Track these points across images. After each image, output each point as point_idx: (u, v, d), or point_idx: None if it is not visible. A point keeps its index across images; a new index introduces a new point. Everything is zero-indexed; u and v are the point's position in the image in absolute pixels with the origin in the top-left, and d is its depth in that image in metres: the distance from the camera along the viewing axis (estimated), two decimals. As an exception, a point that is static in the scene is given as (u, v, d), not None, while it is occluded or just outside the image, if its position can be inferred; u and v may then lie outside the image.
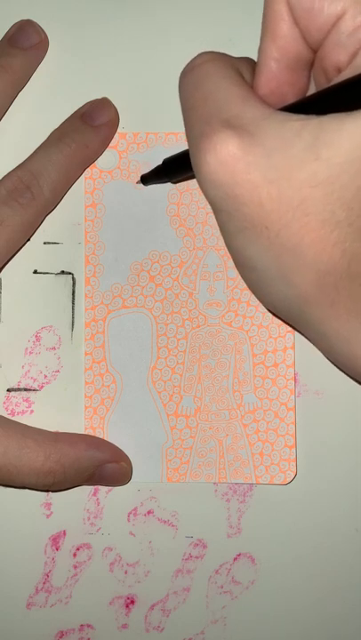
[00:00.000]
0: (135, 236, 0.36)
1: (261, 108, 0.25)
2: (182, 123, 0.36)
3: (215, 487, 0.36)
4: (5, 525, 0.36)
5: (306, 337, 0.29)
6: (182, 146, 0.35)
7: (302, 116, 0.25)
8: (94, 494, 0.36)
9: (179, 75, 0.36)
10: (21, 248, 0.36)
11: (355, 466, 0.36)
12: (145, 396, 0.36)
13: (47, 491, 0.36)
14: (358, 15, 0.25)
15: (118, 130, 0.36)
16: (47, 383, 0.36)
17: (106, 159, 0.36)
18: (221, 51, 0.28)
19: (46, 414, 0.36)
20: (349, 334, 0.26)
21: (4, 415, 0.35)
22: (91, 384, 0.36)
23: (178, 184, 0.36)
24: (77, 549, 0.37)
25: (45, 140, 0.35)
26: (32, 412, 0.36)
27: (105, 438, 0.36)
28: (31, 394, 0.36)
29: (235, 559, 0.37)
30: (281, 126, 0.25)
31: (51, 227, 0.36)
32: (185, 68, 0.28)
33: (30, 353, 0.36)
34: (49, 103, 0.36)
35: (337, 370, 0.35)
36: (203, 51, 0.28)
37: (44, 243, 0.36)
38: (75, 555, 0.37)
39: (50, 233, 0.36)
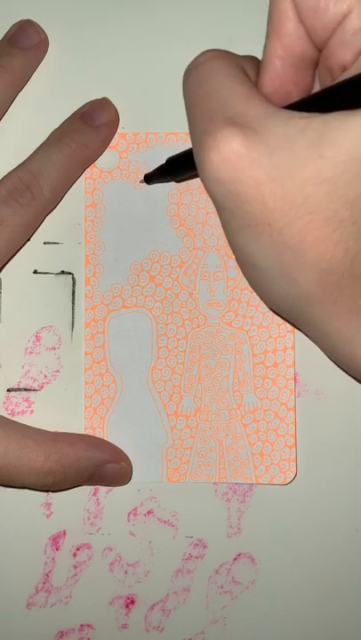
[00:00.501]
0: (135, 236, 0.36)
1: (265, 106, 0.25)
2: (182, 123, 0.36)
3: (215, 487, 0.36)
4: (5, 525, 0.36)
5: (307, 336, 0.29)
6: (182, 146, 0.35)
7: (306, 114, 0.25)
8: (94, 494, 0.36)
9: (179, 75, 0.36)
10: (21, 248, 0.36)
11: (355, 466, 0.36)
12: (145, 396, 0.36)
13: (47, 491, 0.36)
14: None
15: (118, 130, 0.36)
16: (47, 383, 0.36)
17: (106, 159, 0.36)
18: (221, 51, 0.28)
19: (46, 414, 0.36)
20: (351, 334, 0.26)
21: (4, 415, 0.35)
22: (91, 384, 0.36)
23: (178, 184, 0.36)
24: (77, 549, 0.37)
25: (45, 140, 0.35)
26: (32, 412, 0.36)
27: (105, 438, 0.36)
28: (31, 394, 0.36)
29: (235, 559, 0.37)
30: (285, 124, 0.25)
31: (51, 227, 0.36)
32: (189, 66, 0.28)
33: (30, 353, 0.36)
34: (49, 103, 0.36)
35: (337, 370, 0.35)
36: (203, 50, 0.28)
37: (44, 243, 0.36)
38: (75, 555, 0.37)
39: (50, 233, 0.36)
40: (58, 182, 0.34)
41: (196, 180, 0.36)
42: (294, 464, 0.36)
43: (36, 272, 0.36)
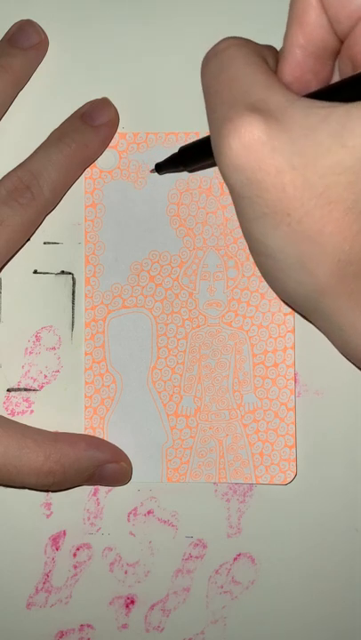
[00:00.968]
0: (135, 236, 0.36)
1: (286, 94, 0.25)
2: (182, 122, 0.36)
3: (215, 487, 0.36)
4: (5, 525, 0.36)
5: (319, 329, 0.29)
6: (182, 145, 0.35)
7: (328, 104, 0.24)
8: (94, 494, 0.36)
9: (179, 75, 0.36)
10: (21, 248, 0.36)
11: (355, 466, 0.36)
12: (145, 396, 0.36)
13: (47, 491, 0.36)
14: None
15: (118, 130, 0.36)
16: (47, 383, 0.36)
17: (106, 159, 0.36)
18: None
19: (46, 414, 0.36)
20: None
21: (4, 415, 0.35)
22: (91, 384, 0.36)
23: (178, 185, 0.36)
24: (77, 549, 0.37)
25: (45, 140, 0.35)
26: (32, 412, 0.36)
27: (105, 438, 0.36)
28: (31, 394, 0.36)
29: (235, 559, 0.37)
30: (307, 113, 0.24)
31: (51, 227, 0.36)
32: (208, 53, 0.28)
33: (30, 353, 0.36)
34: (49, 103, 0.36)
35: (337, 370, 0.35)
36: (203, 50, 0.28)
37: (44, 243, 0.36)
38: (75, 555, 0.37)
39: (50, 233, 0.36)
40: (58, 182, 0.34)
41: (197, 180, 0.36)
42: (294, 464, 0.36)
43: (36, 272, 0.36)
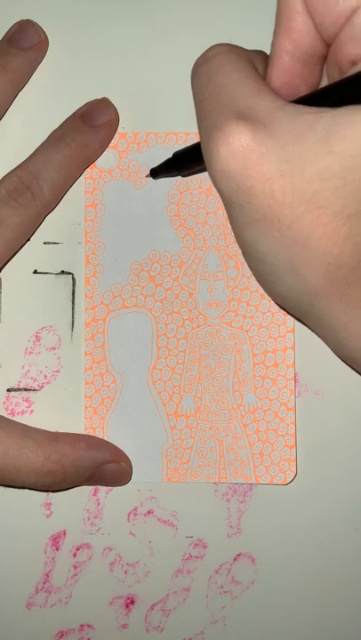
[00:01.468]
0: (135, 236, 0.36)
1: (275, 100, 0.25)
2: (182, 122, 0.36)
3: (215, 487, 0.36)
4: (5, 525, 0.36)
5: (314, 331, 0.29)
6: (182, 146, 0.35)
7: (316, 109, 0.25)
8: (94, 494, 0.36)
9: (179, 75, 0.36)
10: (21, 248, 0.36)
11: (355, 466, 0.36)
12: (145, 396, 0.36)
13: (47, 491, 0.36)
14: None
15: (118, 130, 0.36)
16: (47, 383, 0.36)
17: (106, 159, 0.36)
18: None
19: (46, 414, 0.36)
20: (358, 329, 0.26)
21: (4, 415, 0.35)
22: (91, 384, 0.36)
23: (178, 185, 0.36)
24: (77, 549, 0.37)
25: (45, 140, 0.35)
26: (32, 412, 0.36)
27: (105, 438, 0.36)
28: (31, 394, 0.36)
29: (235, 559, 0.37)
30: (294, 119, 0.25)
31: (51, 227, 0.36)
32: (198, 60, 0.28)
33: (30, 353, 0.36)
34: (49, 103, 0.36)
35: (337, 370, 0.35)
36: (203, 50, 0.28)
37: (44, 243, 0.36)
38: (75, 555, 0.37)
39: (50, 233, 0.36)
40: (58, 182, 0.34)
41: (196, 180, 0.36)
42: (294, 464, 0.36)
43: (36, 272, 0.36)
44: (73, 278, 0.36)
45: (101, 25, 0.36)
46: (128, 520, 0.36)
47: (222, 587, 0.37)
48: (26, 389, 0.36)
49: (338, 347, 0.28)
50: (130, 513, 0.36)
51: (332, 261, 0.25)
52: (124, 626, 0.37)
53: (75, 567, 0.37)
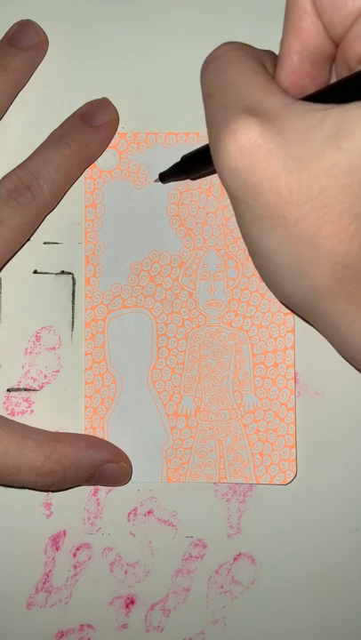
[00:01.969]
0: (135, 235, 0.36)
1: (283, 98, 0.25)
2: (182, 122, 0.36)
3: (215, 487, 0.36)
4: (5, 525, 0.36)
5: (318, 330, 0.29)
6: (183, 146, 0.35)
7: (323, 106, 0.24)
8: (94, 494, 0.36)
9: (179, 75, 0.36)
10: (21, 248, 0.36)
11: (355, 466, 0.36)
12: (145, 396, 0.36)
13: (47, 491, 0.36)
14: None
15: (118, 130, 0.36)
16: (47, 383, 0.36)
17: (106, 159, 0.36)
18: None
19: (46, 414, 0.36)
20: None
21: (3, 415, 0.35)
22: (91, 384, 0.36)
23: (178, 184, 0.36)
24: (77, 549, 0.37)
25: (45, 140, 0.35)
26: (32, 412, 0.36)
27: (105, 438, 0.36)
28: (31, 394, 0.36)
29: (235, 559, 0.37)
30: (302, 116, 0.24)
31: (51, 227, 0.36)
32: (208, 57, 0.28)
33: (30, 353, 0.36)
34: (49, 103, 0.36)
35: (337, 370, 0.35)
36: (203, 50, 0.28)
37: (44, 243, 0.36)
38: (75, 555, 0.37)
39: (50, 233, 0.36)
40: (58, 182, 0.34)
41: (197, 181, 0.36)
42: (294, 464, 0.36)
43: (36, 272, 0.36)
44: (73, 278, 0.36)
45: (101, 25, 0.36)
46: (128, 520, 0.36)
47: (222, 587, 0.37)
48: (26, 389, 0.36)
49: (342, 346, 0.28)
50: (130, 513, 0.36)
51: (339, 260, 0.25)
52: (124, 626, 0.37)
53: (75, 567, 0.37)
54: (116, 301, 0.36)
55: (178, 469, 0.36)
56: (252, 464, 0.36)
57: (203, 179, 0.36)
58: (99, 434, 0.36)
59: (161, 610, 0.37)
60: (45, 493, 0.36)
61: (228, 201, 0.35)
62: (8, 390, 0.36)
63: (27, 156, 0.35)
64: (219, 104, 0.26)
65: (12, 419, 0.36)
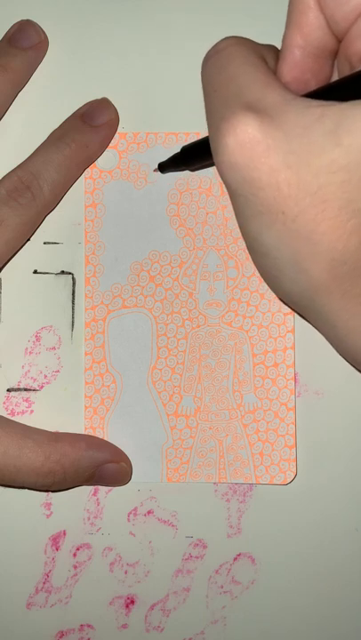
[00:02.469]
0: (135, 235, 0.36)
1: (283, 94, 0.25)
2: (182, 122, 0.36)
3: (215, 487, 0.36)
4: (5, 525, 0.36)
5: (315, 327, 0.29)
6: (182, 145, 0.35)
7: (323, 102, 0.24)
8: (94, 494, 0.36)
9: (179, 75, 0.36)
10: (21, 248, 0.36)
11: (355, 466, 0.36)
12: (145, 396, 0.36)
13: (47, 491, 0.36)
14: None
15: (118, 130, 0.36)
16: (47, 383, 0.36)
17: (106, 159, 0.36)
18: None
19: (46, 414, 0.36)
20: (360, 326, 0.26)
21: (3, 415, 0.35)
22: (91, 384, 0.36)
23: (178, 184, 0.36)
24: (77, 549, 0.37)
25: (45, 140, 0.35)
26: (32, 412, 0.36)
27: (105, 438, 0.36)
28: (31, 394, 0.36)
29: (235, 559, 0.37)
30: (302, 112, 0.24)
31: (51, 227, 0.36)
32: (209, 52, 0.28)
33: (30, 353, 0.36)
34: (49, 103, 0.36)
35: (337, 370, 0.35)
36: (203, 50, 0.28)
37: (44, 243, 0.36)
38: (75, 555, 0.37)
39: (50, 233, 0.36)
40: (58, 182, 0.34)
41: (197, 180, 0.36)
42: (294, 464, 0.36)
43: (36, 272, 0.36)
44: (73, 278, 0.36)
45: (101, 25, 0.36)
46: (128, 520, 0.36)
47: (222, 587, 0.37)
48: (26, 389, 0.36)
49: (338, 343, 0.28)
50: (130, 513, 0.36)
51: (336, 257, 0.25)
52: (124, 626, 0.37)
53: (75, 567, 0.37)
54: (116, 301, 0.36)
55: (178, 469, 0.36)
56: (252, 464, 0.36)
57: (203, 179, 0.36)
58: (99, 434, 0.36)
59: (161, 610, 0.37)
60: (45, 493, 0.36)
61: (228, 201, 0.35)
62: (8, 390, 0.36)
63: (27, 156, 0.35)
64: (219, 99, 0.26)
65: (12, 419, 0.36)
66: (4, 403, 0.36)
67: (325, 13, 0.26)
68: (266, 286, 0.29)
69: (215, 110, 0.26)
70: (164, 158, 0.35)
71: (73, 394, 0.36)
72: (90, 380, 0.36)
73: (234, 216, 0.28)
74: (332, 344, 0.29)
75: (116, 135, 0.36)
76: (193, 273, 0.36)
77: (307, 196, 0.25)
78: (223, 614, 0.37)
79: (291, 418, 0.36)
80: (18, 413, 0.36)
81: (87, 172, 0.36)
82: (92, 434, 0.36)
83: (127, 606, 0.37)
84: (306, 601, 0.37)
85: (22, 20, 0.36)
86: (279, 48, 0.29)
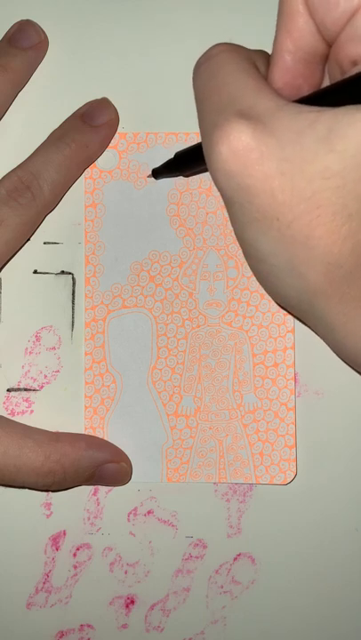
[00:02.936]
0: (135, 235, 0.36)
1: (275, 100, 0.25)
2: (182, 122, 0.36)
3: (215, 487, 0.36)
4: (5, 525, 0.36)
5: (314, 331, 0.29)
6: (183, 146, 0.35)
7: (316, 108, 0.24)
8: (94, 494, 0.36)
9: (179, 75, 0.36)
10: (21, 248, 0.36)
11: (355, 466, 0.36)
12: (145, 396, 0.36)
13: (47, 491, 0.36)
14: None
15: (118, 130, 0.36)
16: (47, 383, 0.36)
17: (106, 159, 0.36)
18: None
19: (46, 414, 0.36)
20: (357, 329, 0.26)
21: (4, 415, 0.35)
22: (91, 384, 0.36)
23: (178, 185, 0.36)
24: (77, 549, 0.37)
25: (45, 140, 0.35)
26: (32, 412, 0.36)
27: (105, 438, 0.36)
28: (31, 394, 0.36)
29: (235, 559, 0.37)
30: (295, 118, 0.24)
31: (51, 227, 0.36)
32: (200, 59, 0.28)
33: (30, 353, 0.36)
34: (49, 103, 0.36)
35: (337, 370, 0.35)
36: (203, 51, 0.28)
37: (44, 243, 0.36)
38: (75, 555, 0.37)
39: (50, 233, 0.36)
40: (58, 182, 0.34)
41: (196, 180, 0.36)
42: (294, 464, 0.36)
43: (36, 272, 0.36)
44: (73, 278, 0.36)
45: (101, 25, 0.36)
46: (128, 520, 0.36)
47: (222, 587, 0.37)
48: (26, 389, 0.36)
49: (337, 346, 0.28)
50: (130, 513, 0.36)
51: (332, 261, 0.25)
52: (124, 626, 0.37)
53: (75, 567, 0.37)
54: (116, 301, 0.36)
55: (178, 469, 0.36)
56: (252, 464, 0.36)
57: (203, 179, 0.36)
58: (99, 434, 0.36)
59: (161, 610, 0.37)
60: (45, 493, 0.36)
61: (228, 201, 0.35)
62: (8, 390, 0.36)
63: (27, 156, 0.35)
64: (211, 106, 0.26)
65: (12, 419, 0.36)
66: (4, 403, 0.36)
67: (315, 18, 0.26)
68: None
69: (208, 118, 0.26)
70: (164, 158, 0.35)
71: (73, 394, 0.36)
72: (90, 380, 0.36)
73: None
74: (331, 347, 0.29)
75: (116, 135, 0.36)
76: (193, 273, 0.36)
77: (301, 202, 0.25)
78: (223, 614, 0.37)
79: (291, 418, 0.36)
80: (18, 413, 0.36)
81: (87, 171, 0.36)
82: (92, 434, 0.36)
83: (127, 606, 0.37)
84: (306, 601, 0.37)
85: (22, 20, 0.36)
86: (270, 52, 0.29)
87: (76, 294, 0.36)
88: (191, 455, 0.36)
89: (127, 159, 0.36)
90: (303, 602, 0.37)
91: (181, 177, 0.36)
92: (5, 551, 0.37)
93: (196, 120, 0.28)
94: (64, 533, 0.37)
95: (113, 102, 0.36)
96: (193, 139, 0.35)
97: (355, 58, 0.26)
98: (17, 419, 0.36)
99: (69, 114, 0.36)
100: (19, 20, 0.36)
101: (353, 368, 0.33)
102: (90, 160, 0.36)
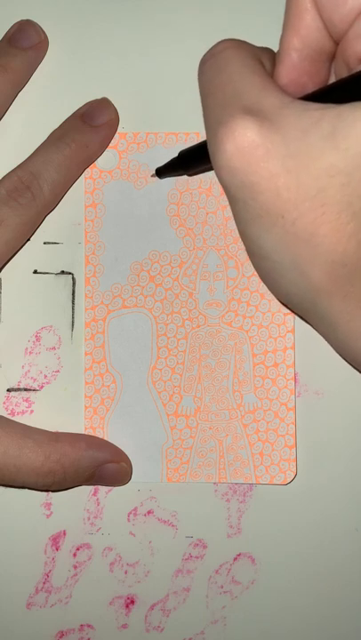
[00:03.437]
0: (135, 235, 0.36)
1: (281, 97, 0.25)
2: (182, 122, 0.36)
3: (215, 487, 0.36)
4: (5, 525, 0.36)
5: (316, 329, 0.29)
6: (183, 146, 0.35)
7: (321, 105, 0.24)
8: (94, 494, 0.36)
9: (179, 75, 0.36)
10: (21, 248, 0.36)
11: (355, 466, 0.36)
12: (145, 396, 0.36)
13: (47, 491, 0.36)
14: None
15: (118, 130, 0.36)
16: (47, 383, 0.36)
17: (106, 159, 0.36)
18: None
19: (46, 414, 0.36)
20: (360, 328, 0.26)
21: (4, 415, 0.35)
22: (91, 384, 0.36)
23: (178, 185, 0.36)
24: (77, 549, 0.37)
25: (45, 140, 0.35)
26: (32, 412, 0.36)
27: (105, 438, 0.36)
28: (31, 394, 0.36)
29: (235, 559, 0.37)
30: (300, 115, 0.24)
31: (51, 227, 0.36)
32: (205, 55, 0.28)
33: (30, 353, 0.36)
34: (49, 103, 0.36)
35: (337, 370, 0.35)
36: (203, 50, 0.28)
37: (44, 243, 0.36)
38: (75, 555, 0.37)
39: (50, 233, 0.36)
40: (58, 182, 0.34)
41: (197, 180, 0.36)
42: (294, 464, 0.36)
43: (36, 272, 0.36)
44: (73, 278, 0.36)
45: (101, 25, 0.36)
46: (128, 520, 0.36)
47: (222, 587, 0.37)
48: (26, 389, 0.36)
49: (339, 345, 0.28)
50: (130, 513, 0.36)
51: (336, 259, 0.25)
52: (124, 626, 0.37)
53: (75, 567, 0.37)
54: (116, 301, 0.36)
55: (178, 469, 0.36)
56: (252, 464, 0.36)
57: (203, 179, 0.36)
58: (99, 434, 0.36)
59: (161, 610, 0.37)
60: (45, 493, 0.36)
61: (228, 201, 0.35)
62: (8, 390, 0.36)
63: (27, 156, 0.35)
64: (216, 103, 0.26)
65: (12, 419, 0.36)
66: (4, 403, 0.36)
67: (323, 16, 0.26)
68: (265, 285, 0.29)
69: (213, 114, 0.26)
70: (164, 158, 0.35)
71: (73, 394, 0.36)
72: (90, 380, 0.36)
73: (234, 216, 0.28)
74: (333, 346, 0.29)
75: (116, 135, 0.36)
76: (193, 273, 0.36)
77: (306, 199, 0.25)
78: (223, 614, 0.37)
79: (291, 418, 0.36)
80: (18, 413, 0.36)
81: (87, 171, 0.36)
82: (92, 434, 0.36)
83: (127, 606, 0.37)
84: (306, 601, 0.37)
85: (22, 20, 0.36)
86: (277, 50, 0.29)
87: (76, 294, 0.36)
88: (191, 455, 0.36)
89: (127, 159, 0.36)
90: (303, 602, 0.37)
91: (181, 177, 0.36)
92: (5, 551, 0.37)
93: (197, 120, 0.28)
94: (64, 533, 0.37)
95: (113, 102, 0.36)
96: (193, 139, 0.35)
97: None
98: (17, 419, 0.36)
99: (69, 114, 0.36)
100: (19, 20, 0.36)
101: (354, 367, 0.33)
102: (90, 160, 0.36)
